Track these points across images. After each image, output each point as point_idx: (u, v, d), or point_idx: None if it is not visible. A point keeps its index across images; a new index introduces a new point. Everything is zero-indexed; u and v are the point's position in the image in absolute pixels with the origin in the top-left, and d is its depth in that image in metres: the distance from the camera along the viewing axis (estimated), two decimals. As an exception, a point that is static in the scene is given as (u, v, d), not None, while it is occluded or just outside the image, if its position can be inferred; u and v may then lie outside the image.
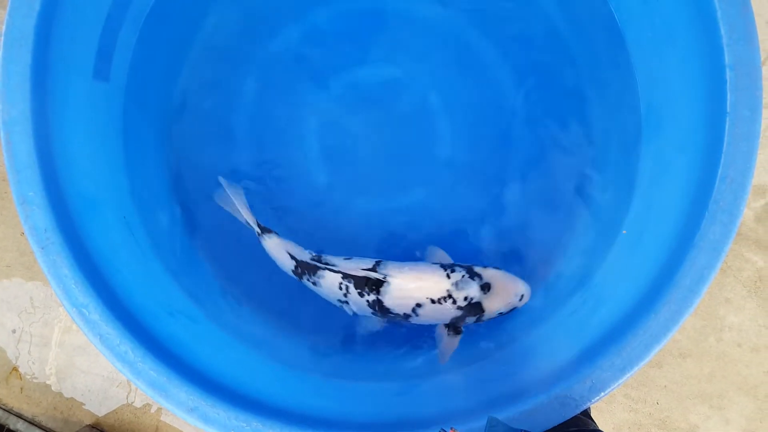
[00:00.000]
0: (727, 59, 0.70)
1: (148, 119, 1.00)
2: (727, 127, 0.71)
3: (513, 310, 0.87)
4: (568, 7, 1.00)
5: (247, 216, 0.91)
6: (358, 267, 0.85)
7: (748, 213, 1.16)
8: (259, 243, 0.93)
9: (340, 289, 0.87)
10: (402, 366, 0.95)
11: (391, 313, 0.86)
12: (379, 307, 0.86)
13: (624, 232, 0.90)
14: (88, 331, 0.73)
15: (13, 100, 0.75)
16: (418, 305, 0.84)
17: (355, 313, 0.91)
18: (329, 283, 0.87)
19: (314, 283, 0.89)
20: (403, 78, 1.05)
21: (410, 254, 1.02)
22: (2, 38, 0.76)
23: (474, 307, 0.84)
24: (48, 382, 1.20)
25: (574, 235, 1.00)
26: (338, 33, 1.05)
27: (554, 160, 1.02)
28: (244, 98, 1.05)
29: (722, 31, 0.71)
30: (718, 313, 1.16)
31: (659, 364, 1.16)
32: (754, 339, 1.15)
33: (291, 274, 0.91)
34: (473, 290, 0.83)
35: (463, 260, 0.91)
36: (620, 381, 0.71)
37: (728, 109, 0.70)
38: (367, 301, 0.85)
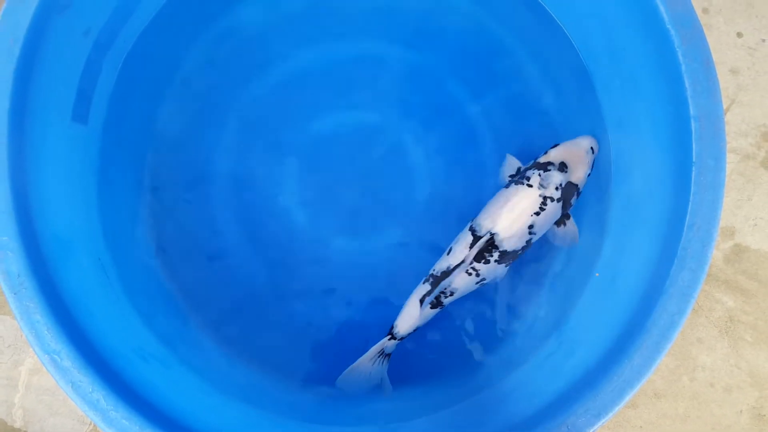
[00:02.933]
0: (691, 111, 0.73)
1: (124, 160, 1.00)
2: (693, 176, 0.73)
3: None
4: (538, 54, 1.04)
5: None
6: (467, 247, 0.87)
7: (717, 254, 1.18)
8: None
9: (472, 275, 0.89)
10: (375, 409, 0.94)
11: (518, 251, 0.89)
12: (505, 256, 0.88)
13: (597, 275, 0.92)
14: (59, 378, 0.72)
15: (-11, 144, 0.75)
16: (531, 227, 0.87)
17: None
18: (464, 283, 0.89)
19: (452, 293, 0.90)
20: (380, 121, 1.07)
21: (390, 293, 1.03)
22: (-20, 83, 0.76)
23: (568, 189, 0.87)
24: (15, 426, 1.17)
25: (549, 276, 1.01)
26: (318, 78, 1.07)
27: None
28: (224, 139, 1.05)
29: (686, 84, 0.74)
30: (691, 353, 1.18)
31: (634, 404, 1.17)
32: (726, 379, 1.17)
33: (429, 309, 0.92)
34: (557, 177, 0.86)
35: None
36: (595, 427, 0.72)
37: (694, 159, 0.73)
38: (496, 261, 0.87)
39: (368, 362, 0.91)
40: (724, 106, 1.16)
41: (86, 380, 0.72)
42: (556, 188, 0.86)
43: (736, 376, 1.16)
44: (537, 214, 0.86)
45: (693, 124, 0.73)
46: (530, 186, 0.87)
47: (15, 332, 1.18)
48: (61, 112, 0.88)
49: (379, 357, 0.92)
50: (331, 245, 1.05)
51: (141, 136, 1.03)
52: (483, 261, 0.88)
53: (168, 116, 1.04)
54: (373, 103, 1.07)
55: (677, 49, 0.74)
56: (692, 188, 0.73)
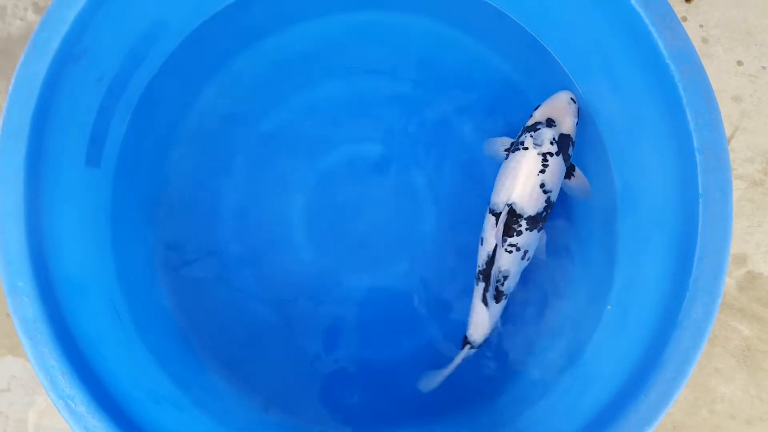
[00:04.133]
0: (695, 143, 0.74)
1: (136, 202, 1.02)
2: (700, 208, 0.73)
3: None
4: (540, 87, 1.04)
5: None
6: (494, 229, 0.88)
7: (730, 282, 1.18)
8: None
9: (513, 252, 0.89)
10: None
11: (542, 213, 0.89)
12: (532, 221, 0.88)
13: (609, 307, 0.91)
14: (74, 423, 0.72)
15: (7, 192, 0.77)
16: (542, 185, 0.87)
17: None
18: (510, 263, 0.90)
19: (505, 278, 0.91)
20: (385, 155, 1.09)
21: (401, 327, 1.03)
22: (-2, 132, 0.78)
23: (562, 141, 0.88)
24: (27, 471, 1.16)
25: (561, 308, 1.01)
26: (322, 115, 1.09)
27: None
28: (232, 178, 1.07)
29: (689, 118, 0.74)
30: (709, 384, 1.16)
31: (653, 438, 1.15)
32: (747, 410, 1.15)
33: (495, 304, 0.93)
34: (548, 133, 0.88)
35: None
36: (614, 465, 0.71)
37: (700, 191, 0.73)
38: (527, 229, 0.88)
39: (451, 371, 0.93)
40: (728, 134, 1.16)
41: (100, 425, 0.72)
42: (551, 143, 0.87)
43: (758, 408, 1.14)
44: (542, 171, 0.87)
45: (697, 157, 0.73)
46: (526, 149, 0.88)
47: (27, 374, 1.18)
48: (75, 157, 0.90)
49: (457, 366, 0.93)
50: (341, 281, 1.06)
51: (152, 177, 1.04)
52: (515, 234, 0.88)
53: (178, 158, 1.06)
54: (378, 137, 1.09)
55: (678, 83, 0.75)
56: (700, 220, 0.73)
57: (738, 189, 1.15)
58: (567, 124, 0.90)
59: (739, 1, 1.18)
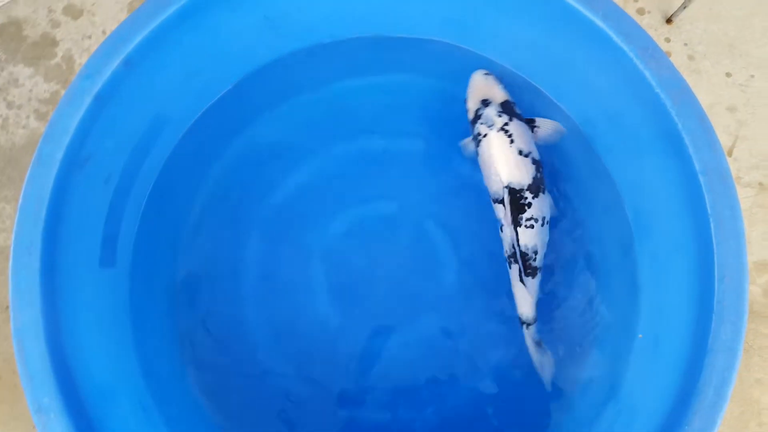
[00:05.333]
0: (697, 166, 0.74)
1: (155, 294, 1.02)
2: (712, 228, 0.73)
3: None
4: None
5: None
6: (504, 213, 0.91)
7: (755, 290, 1.16)
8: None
9: (532, 224, 0.91)
10: None
11: (538, 175, 0.92)
12: (533, 187, 0.91)
13: (640, 336, 0.90)
14: None
15: (24, 306, 0.77)
16: (520, 152, 0.91)
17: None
18: (534, 236, 0.92)
19: (536, 252, 0.93)
20: (398, 210, 1.09)
21: (431, 381, 1.02)
22: (11, 248, 0.79)
23: (505, 108, 0.93)
24: None
25: (595, 340, 0.99)
26: (333, 178, 1.11)
27: (561, 268, 1.04)
28: (249, 256, 1.07)
29: (686, 142, 0.75)
30: (753, 396, 1.13)
31: (705, 462, 1.11)
32: (795, 420, 1.12)
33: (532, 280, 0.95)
34: (490, 110, 0.93)
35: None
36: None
37: (709, 212, 0.73)
38: (533, 197, 0.91)
39: (535, 355, 0.96)
40: (729, 144, 1.17)
41: None
42: (499, 115, 0.92)
43: (806, 415, 1.11)
44: (512, 141, 0.91)
45: (701, 179, 0.74)
46: (486, 135, 0.92)
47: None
48: (89, 261, 0.90)
49: (537, 347, 0.96)
50: (368, 343, 1.05)
51: (169, 267, 1.05)
52: (526, 207, 0.91)
53: (192, 244, 1.07)
54: (389, 194, 1.10)
55: (670, 110, 0.76)
56: (714, 240, 0.73)
57: (748, 197, 1.14)
58: (498, 94, 0.95)
59: (717, 16, 1.20)
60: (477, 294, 1.06)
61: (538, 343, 0.96)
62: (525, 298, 0.94)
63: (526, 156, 0.91)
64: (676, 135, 0.76)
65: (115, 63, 0.81)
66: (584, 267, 1.03)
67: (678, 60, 1.19)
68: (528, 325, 0.95)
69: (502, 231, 0.95)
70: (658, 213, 0.86)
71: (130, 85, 0.85)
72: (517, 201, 0.90)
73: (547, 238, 0.95)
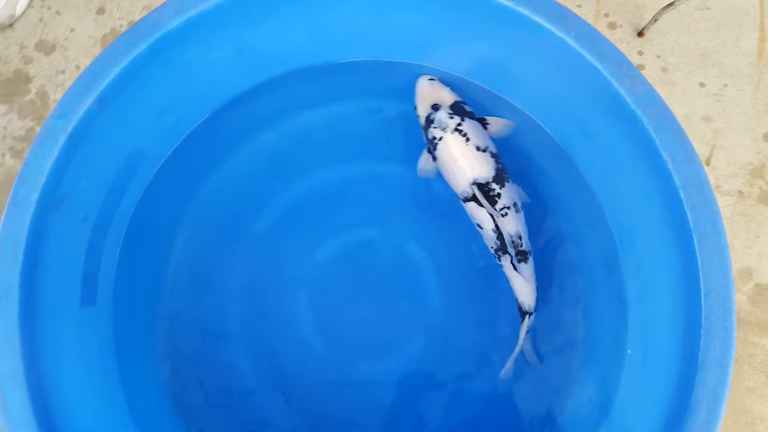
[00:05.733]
0: (677, 181, 0.74)
1: (139, 332, 1.00)
2: (695, 243, 0.73)
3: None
4: (522, 149, 1.06)
5: None
6: (480, 209, 0.93)
7: (741, 298, 1.16)
8: None
9: (506, 212, 0.93)
10: None
11: (499, 165, 0.94)
12: (498, 177, 0.93)
13: (629, 352, 0.90)
14: None
15: (4, 354, 0.75)
16: (477, 147, 0.93)
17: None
18: (513, 223, 0.94)
19: (520, 237, 0.94)
20: (381, 235, 1.09)
21: (423, 406, 1.00)
22: (-11, 296, 0.78)
23: (456, 110, 0.95)
24: None
25: (582, 354, 0.99)
26: (314, 206, 1.10)
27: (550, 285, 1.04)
28: (232, 287, 1.06)
29: (665, 157, 0.75)
30: (745, 406, 1.13)
31: (701, 473, 1.11)
32: (788, 426, 1.12)
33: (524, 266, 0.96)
34: (441, 113, 0.94)
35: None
36: None
37: (691, 227, 0.73)
38: (500, 187, 0.92)
39: (524, 343, 0.97)
40: (707, 153, 1.18)
41: None
42: (450, 117, 0.93)
43: (798, 421, 1.11)
44: (468, 140, 0.92)
45: (681, 194, 0.74)
46: (441, 138, 0.93)
47: None
48: (70, 301, 0.89)
49: (528, 335, 0.97)
50: (356, 370, 1.04)
51: (151, 303, 1.04)
52: (497, 197, 0.92)
53: (174, 277, 1.06)
54: (371, 218, 1.09)
55: (647, 127, 0.76)
56: (698, 256, 0.73)
57: (728, 205, 1.15)
58: (446, 96, 0.96)
59: (688, 27, 1.22)
60: (462, 316, 1.05)
61: (529, 331, 0.97)
62: (523, 285, 0.95)
63: (485, 151, 0.93)
64: (654, 151, 0.76)
65: (89, 101, 0.80)
66: (571, 283, 1.03)
67: (651, 72, 1.20)
68: (529, 315, 0.96)
69: (481, 229, 0.96)
70: (641, 229, 0.86)
71: (104, 122, 0.84)
72: (487, 194, 0.92)
73: (525, 225, 0.97)
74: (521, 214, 0.96)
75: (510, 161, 0.97)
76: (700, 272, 0.73)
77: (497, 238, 0.94)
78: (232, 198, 1.09)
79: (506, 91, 1.00)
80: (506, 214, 0.93)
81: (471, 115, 0.96)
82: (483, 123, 0.98)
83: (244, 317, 1.05)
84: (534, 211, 1.05)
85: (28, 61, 1.25)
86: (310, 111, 1.09)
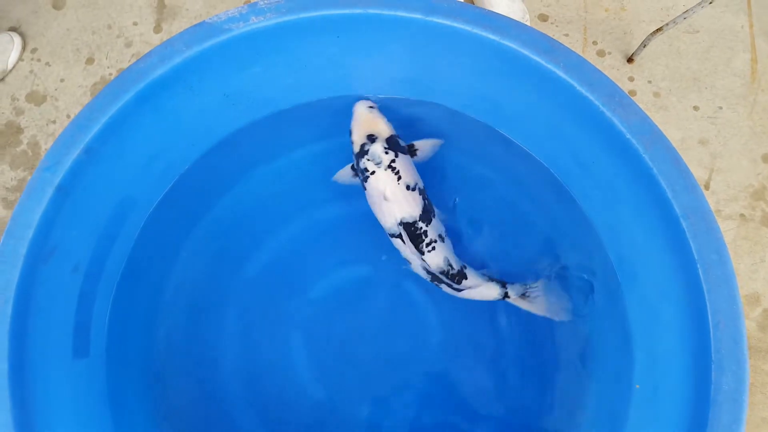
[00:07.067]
0: (678, 211, 0.73)
1: (133, 381, 0.98)
2: (701, 274, 0.71)
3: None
4: (519, 181, 1.05)
5: None
6: (407, 248, 0.92)
7: (750, 324, 1.14)
8: None
9: (433, 246, 0.92)
10: None
11: (426, 202, 0.94)
12: (427, 215, 0.92)
13: (637, 386, 0.87)
14: None
15: (-7, 413, 0.73)
16: (408, 186, 0.92)
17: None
18: (442, 255, 0.93)
19: (450, 265, 0.94)
20: (374, 272, 1.07)
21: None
22: (-24, 352, 0.75)
23: (391, 144, 0.93)
24: None
25: (590, 394, 0.96)
26: (308, 245, 1.08)
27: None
28: (226, 331, 1.04)
29: (664, 186, 0.74)
30: (761, 435, 1.10)
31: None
32: (807, 455, 1.08)
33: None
34: (376, 147, 0.92)
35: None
36: None
37: (696, 257, 0.71)
38: (426, 225, 0.92)
39: (536, 306, 0.97)
40: (706, 177, 1.16)
41: None
42: (386, 152, 0.92)
43: (817, 449, 1.08)
44: (399, 178, 0.91)
45: (683, 223, 0.72)
46: (373, 173, 0.92)
47: None
48: (62, 353, 0.87)
49: (528, 299, 0.97)
50: (354, 412, 1.01)
51: (145, 352, 1.01)
52: (423, 235, 0.91)
53: (168, 325, 1.04)
54: (363, 255, 1.07)
55: (644, 155, 0.75)
56: (704, 286, 0.71)
57: (730, 230, 1.14)
58: (382, 128, 0.95)
59: (678, 51, 1.22)
60: (461, 353, 1.03)
61: (524, 296, 0.97)
62: (478, 289, 0.95)
63: (413, 189, 0.93)
64: (652, 180, 0.75)
65: (76, 152, 0.79)
66: (573, 316, 1.00)
67: (644, 98, 1.20)
68: (506, 295, 0.96)
69: (410, 264, 0.95)
70: (641, 259, 0.84)
71: (92, 172, 0.83)
72: (413, 233, 0.91)
73: (451, 246, 0.96)
74: (449, 241, 0.96)
75: (503, 191, 0.96)
76: (708, 304, 0.70)
77: (427, 273, 0.93)
78: (223, 242, 1.08)
79: (498, 124, 1.00)
80: (433, 248, 0.92)
81: (404, 150, 0.96)
82: (412, 150, 0.98)
83: (239, 362, 1.02)
84: (532, 243, 1.04)
85: (19, 112, 1.24)
86: (298, 150, 1.08)
